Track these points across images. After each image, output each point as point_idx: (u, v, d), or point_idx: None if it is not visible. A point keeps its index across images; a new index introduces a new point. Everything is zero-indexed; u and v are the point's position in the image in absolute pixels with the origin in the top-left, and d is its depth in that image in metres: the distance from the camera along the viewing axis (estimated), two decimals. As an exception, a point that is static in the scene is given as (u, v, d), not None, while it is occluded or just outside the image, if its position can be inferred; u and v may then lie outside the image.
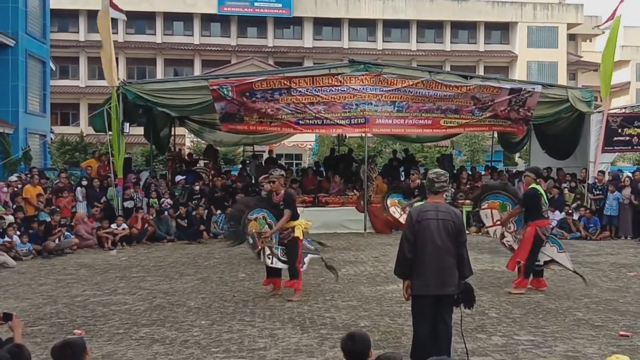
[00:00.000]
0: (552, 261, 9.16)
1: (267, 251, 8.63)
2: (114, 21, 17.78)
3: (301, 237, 8.66)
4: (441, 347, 5.37)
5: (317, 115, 16.15)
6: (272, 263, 8.67)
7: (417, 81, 16.33)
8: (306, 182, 19.04)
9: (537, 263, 9.05)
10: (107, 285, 9.81)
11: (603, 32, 18.50)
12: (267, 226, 8.64)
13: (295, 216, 8.63)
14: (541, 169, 10.75)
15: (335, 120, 16.34)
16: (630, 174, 17.54)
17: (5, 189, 14.52)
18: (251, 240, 8.59)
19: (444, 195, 5.82)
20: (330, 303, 8.34)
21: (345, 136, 25.07)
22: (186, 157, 21.46)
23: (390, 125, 16.94)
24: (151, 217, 15.70)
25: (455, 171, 19.96)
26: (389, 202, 13.86)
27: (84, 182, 16.03)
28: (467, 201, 17.10)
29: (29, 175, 15.73)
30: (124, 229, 14.73)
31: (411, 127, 17.26)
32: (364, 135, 18.34)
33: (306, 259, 8.97)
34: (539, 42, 49.24)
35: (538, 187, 8.99)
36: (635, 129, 17.53)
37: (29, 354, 4.01)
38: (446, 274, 5.41)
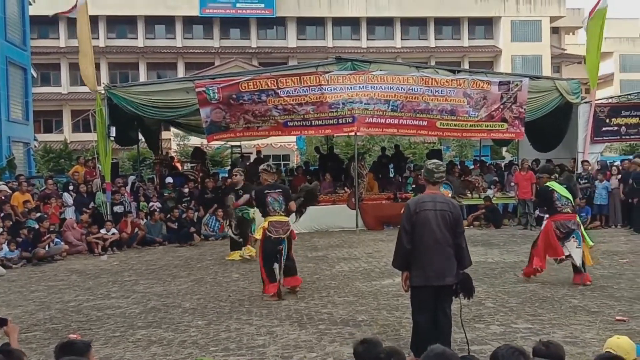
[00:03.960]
0: (569, 256, 9.02)
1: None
2: (94, 25, 17.68)
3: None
4: (441, 337, 5.33)
5: (305, 116, 15.89)
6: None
7: (407, 76, 16.10)
8: (296, 181, 18.92)
9: (560, 257, 9.09)
10: (100, 289, 9.71)
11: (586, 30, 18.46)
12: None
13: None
14: (551, 166, 10.84)
15: (324, 121, 16.07)
16: (618, 163, 17.69)
17: (-7, 198, 14.31)
18: None
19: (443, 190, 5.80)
20: (327, 299, 8.31)
21: (333, 135, 24.98)
22: (174, 163, 21.32)
23: (382, 125, 16.32)
24: (142, 222, 15.57)
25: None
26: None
27: (71, 187, 15.88)
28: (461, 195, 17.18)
29: (16, 183, 15.55)
30: (113, 233, 14.59)
31: (405, 128, 16.65)
32: (351, 134, 18.19)
33: None
34: (523, 36, 49.45)
35: (552, 183, 9.21)
36: (623, 119, 17.69)
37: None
38: (445, 265, 5.40)
